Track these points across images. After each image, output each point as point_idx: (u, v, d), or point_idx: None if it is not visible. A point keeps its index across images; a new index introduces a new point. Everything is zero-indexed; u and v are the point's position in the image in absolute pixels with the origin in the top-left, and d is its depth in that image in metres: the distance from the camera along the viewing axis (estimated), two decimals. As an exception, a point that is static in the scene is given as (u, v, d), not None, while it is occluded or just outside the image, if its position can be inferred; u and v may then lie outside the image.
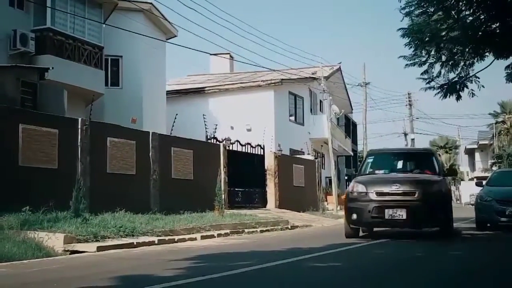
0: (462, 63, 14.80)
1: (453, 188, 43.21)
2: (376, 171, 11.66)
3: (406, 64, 14.59)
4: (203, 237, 11.04)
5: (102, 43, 18.19)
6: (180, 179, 15.35)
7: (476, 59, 14.43)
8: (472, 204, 28.78)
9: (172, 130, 17.70)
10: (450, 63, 14.68)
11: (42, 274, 6.29)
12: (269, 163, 20.58)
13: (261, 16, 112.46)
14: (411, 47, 14.07)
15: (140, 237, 9.82)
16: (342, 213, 13.57)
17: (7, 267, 6.82)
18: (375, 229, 11.62)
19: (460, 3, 13.07)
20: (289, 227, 15.07)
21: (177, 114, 18.61)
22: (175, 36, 23.47)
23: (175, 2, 30.23)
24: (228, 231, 12.26)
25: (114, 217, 10.71)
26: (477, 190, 15.72)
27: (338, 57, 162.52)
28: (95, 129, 12.62)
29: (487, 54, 14.13)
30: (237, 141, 19.29)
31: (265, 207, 19.73)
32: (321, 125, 29.82)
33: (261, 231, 13.32)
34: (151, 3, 20.74)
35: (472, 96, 14.86)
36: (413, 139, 46.16)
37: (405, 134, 48.10)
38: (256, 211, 17.31)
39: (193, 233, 11.18)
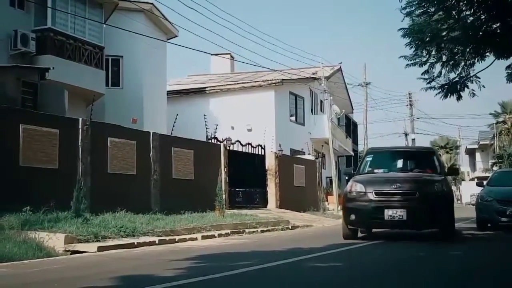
0: (462, 63, 14.79)
1: (453, 188, 43.14)
2: (375, 170, 11.27)
3: (407, 64, 14.60)
4: (203, 237, 11.03)
5: (102, 43, 18.19)
6: (180, 179, 15.35)
7: (476, 59, 14.42)
8: (472, 204, 28.80)
9: (172, 130, 17.70)
10: (450, 63, 14.68)
11: (42, 274, 6.30)
12: (270, 163, 20.58)
13: (261, 16, 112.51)
14: (411, 47, 14.07)
15: (141, 237, 9.82)
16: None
17: (8, 267, 6.83)
18: (374, 230, 11.39)
19: (461, 3, 13.06)
20: (290, 227, 15.07)
21: (177, 114, 18.61)
22: (176, 36, 23.49)
23: (175, 2, 30.22)
24: (228, 231, 12.26)
25: (115, 217, 10.71)
26: (478, 190, 15.75)
27: (338, 57, 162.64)
28: (95, 129, 12.62)
29: (487, 54, 14.12)
30: (238, 141, 19.29)
31: (265, 207, 19.73)
32: (322, 125, 29.82)
33: (262, 231, 13.32)
34: (151, 3, 20.76)
35: (473, 96, 14.87)
36: (414, 139, 46.18)
37: (406, 134, 48.16)
38: (256, 211, 17.31)
39: (193, 233, 11.18)
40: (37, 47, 15.90)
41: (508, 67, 14.73)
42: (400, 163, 11.68)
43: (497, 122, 52.69)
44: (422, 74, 14.87)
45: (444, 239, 10.02)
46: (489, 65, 14.47)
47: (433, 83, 14.90)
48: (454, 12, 13.19)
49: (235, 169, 18.12)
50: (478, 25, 13.22)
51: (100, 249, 8.48)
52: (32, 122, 11.17)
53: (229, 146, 18.58)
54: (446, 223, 10.05)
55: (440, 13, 13.39)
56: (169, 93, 25.40)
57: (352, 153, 40.54)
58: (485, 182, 15.08)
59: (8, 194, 10.22)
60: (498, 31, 13.31)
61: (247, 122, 25.37)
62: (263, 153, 20.57)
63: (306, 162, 23.69)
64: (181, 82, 31.71)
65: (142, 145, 14.00)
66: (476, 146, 59.84)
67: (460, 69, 14.82)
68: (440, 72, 14.80)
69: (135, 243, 9.26)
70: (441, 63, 14.68)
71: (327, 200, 26.42)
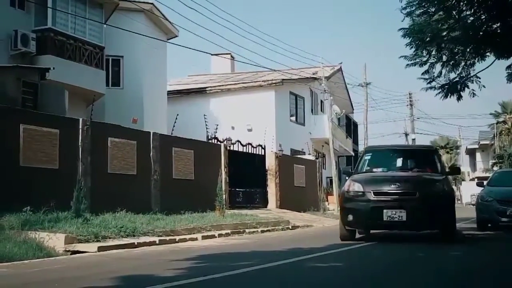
0: (463, 63, 14.80)
1: (454, 188, 43.13)
2: (374, 169, 10.88)
3: (407, 64, 14.60)
4: (204, 237, 11.04)
5: (103, 43, 18.20)
6: (181, 179, 15.35)
7: (477, 59, 14.42)
8: (473, 204, 28.81)
9: (173, 130, 17.72)
10: (451, 63, 14.68)
11: (43, 274, 6.30)
12: (270, 163, 20.59)
13: (261, 16, 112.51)
14: (412, 47, 14.07)
15: (141, 237, 9.83)
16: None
17: (8, 267, 6.83)
18: (372, 231, 11.05)
19: (461, 3, 13.06)
20: (290, 227, 15.07)
21: (178, 114, 18.63)
22: (176, 36, 23.48)
23: (175, 2, 30.21)
24: (229, 231, 12.26)
25: (115, 217, 10.71)
26: (478, 190, 15.75)
27: (338, 57, 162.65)
28: (96, 129, 12.62)
29: (488, 54, 14.12)
30: (238, 141, 19.29)
31: (266, 207, 19.73)
32: (322, 125, 29.82)
33: (262, 231, 13.32)
34: (152, 3, 20.76)
35: (473, 96, 14.88)
36: (414, 139, 46.15)
37: (406, 134, 48.14)
38: (257, 211, 17.31)
39: (194, 233, 11.18)
40: (38, 47, 15.89)
41: (508, 67, 14.75)
42: (399, 162, 11.32)
43: (498, 122, 52.70)
44: (422, 74, 14.89)
45: (445, 241, 9.76)
46: (490, 65, 14.49)
47: (433, 83, 14.92)
48: (454, 12, 13.19)
49: (236, 169, 18.12)
50: (478, 25, 13.23)
51: (100, 249, 8.48)
52: (32, 122, 11.17)
53: (230, 146, 18.58)
54: (447, 224, 9.72)
55: (441, 13, 13.40)
56: (170, 93, 25.40)
57: (353, 153, 40.52)
58: (485, 182, 15.08)
59: (9, 194, 10.22)
60: (499, 31, 13.32)
61: (248, 122, 25.37)
62: (263, 153, 20.58)
63: (306, 162, 23.69)
64: (182, 82, 31.71)
65: (142, 145, 14.00)
66: (477, 146, 59.86)
67: (460, 69, 14.83)
68: (440, 72, 14.82)
69: (136, 243, 9.26)
70: (441, 63, 14.68)
71: (327, 200, 26.43)
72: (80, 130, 12.19)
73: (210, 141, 18.58)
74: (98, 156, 12.52)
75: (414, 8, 13.44)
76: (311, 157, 25.55)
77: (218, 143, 18.27)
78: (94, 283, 5.52)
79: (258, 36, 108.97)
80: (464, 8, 13.26)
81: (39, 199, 9.89)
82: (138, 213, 11.82)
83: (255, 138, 21.02)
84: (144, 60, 20.87)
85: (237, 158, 18.51)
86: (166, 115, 22.49)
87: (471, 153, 63.41)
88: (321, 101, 31.84)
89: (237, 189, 18.44)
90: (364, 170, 10.94)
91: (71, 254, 8.22)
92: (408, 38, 13.78)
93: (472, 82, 14.82)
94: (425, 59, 14.43)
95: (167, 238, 10.26)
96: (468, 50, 14.29)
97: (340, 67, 33.62)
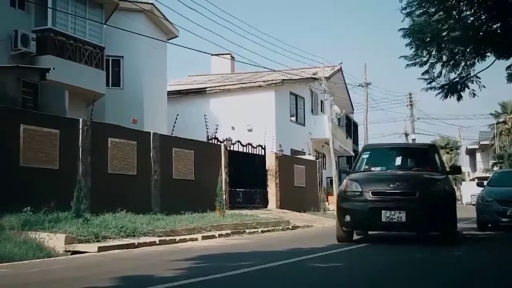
0: (463, 63, 14.79)
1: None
2: (372, 168, 10.53)
3: (407, 64, 14.60)
4: (204, 238, 11.03)
5: (103, 43, 18.20)
6: (181, 179, 15.35)
7: (477, 59, 14.42)
8: (473, 205, 28.83)
9: (173, 130, 17.70)
10: (451, 63, 14.67)
11: (43, 275, 6.30)
12: (270, 163, 20.59)
13: (261, 16, 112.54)
14: (412, 47, 14.06)
15: (141, 238, 9.83)
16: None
17: (8, 267, 6.83)
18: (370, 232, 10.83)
19: (461, 3, 13.06)
20: (290, 228, 15.07)
21: (178, 115, 18.60)
22: (176, 36, 23.49)
23: (176, 2, 30.24)
24: (229, 231, 12.26)
25: (115, 218, 10.71)
26: (478, 190, 15.75)
27: (338, 57, 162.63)
28: (96, 129, 12.62)
29: (488, 54, 14.12)
30: (238, 141, 19.29)
31: (266, 207, 19.73)
32: (322, 125, 29.83)
33: (262, 232, 13.32)
34: (152, 4, 20.77)
35: (473, 97, 14.87)
36: (414, 139, 46.11)
37: (406, 135, 48.11)
38: (257, 212, 17.31)
39: (194, 234, 11.18)
40: (38, 48, 15.90)
41: (508, 67, 14.75)
42: (398, 161, 10.88)
43: (498, 123, 52.71)
44: (423, 74, 14.88)
45: (445, 242, 9.40)
46: (490, 65, 14.49)
47: (433, 83, 14.91)
48: (454, 12, 13.19)
49: (236, 169, 18.12)
50: (478, 25, 13.23)
51: (100, 249, 8.47)
52: (32, 122, 11.17)
53: (230, 147, 18.59)
54: (448, 225, 9.35)
55: (441, 13, 13.39)
56: (170, 93, 25.40)
57: (353, 154, 40.47)
58: (485, 183, 15.08)
59: (9, 194, 10.22)
60: (499, 31, 13.32)
61: (248, 122, 25.37)
62: (263, 153, 20.58)
63: (306, 162, 23.69)
64: (182, 83, 31.71)
65: (142, 145, 14.00)
66: (477, 147, 59.87)
67: (460, 69, 14.83)
68: (441, 72, 14.81)
69: (136, 244, 9.26)
70: (441, 63, 14.68)
71: (327, 200, 26.43)
72: (80, 130, 12.18)
73: (210, 141, 18.58)
74: (98, 156, 12.52)
75: (414, 9, 13.43)
76: (311, 157, 25.54)
77: (218, 143, 18.27)
78: (94, 283, 5.52)
79: (258, 36, 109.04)
80: (464, 8, 13.26)
81: (39, 199, 9.88)
82: (138, 213, 11.81)
83: (255, 138, 21.01)
84: (144, 60, 20.88)
85: (237, 158, 18.51)
86: (166, 115, 22.50)
87: (471, 153, 63.42)
88: (321, 101, 31.85)
89: (237, 189, 18.44)
90: (362, 169, 10.62)
91: (71, 254, 8.22)
92: (408, 38, 13.78)
93: (472, 82, 14.82)
94: (425, 59, 14.43)
95: (167, 238, 10.25)
96: (468, 50, 14.29)
97: (340, 67, 33.63)
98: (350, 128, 42.01)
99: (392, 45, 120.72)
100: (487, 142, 56.41)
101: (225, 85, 27.92)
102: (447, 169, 11.09)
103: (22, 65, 14.21)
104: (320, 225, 16.95)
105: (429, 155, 11.07)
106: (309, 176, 23.26)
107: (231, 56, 32.72)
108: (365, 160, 10.89)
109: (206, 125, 19.21)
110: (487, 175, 37.08)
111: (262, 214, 16.50)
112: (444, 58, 14.65)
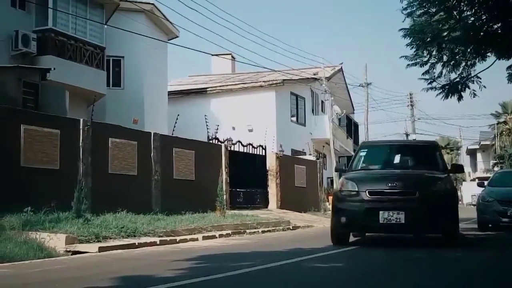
0: (463, 64, 14.80)
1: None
2: (370, 167, 10.10)
3: (408, 65, 14.60)
4: (204, 238, 11.04)
5: (103, 43, 18.21)
6: (181, 179, 15.35)
7: (477, 59, 14.42)
8: (473, 205, 28.82)
9: (173, 130, 17.71)
10: (451, 64, 14.67)
11: (43, 275, 6.30)
12: (271, 163, 20.59)
13: (261, 16, 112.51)
14: (412, 47, 14.06)
15: (142, 238, 9.83)
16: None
17: (9, 267, 6.83)
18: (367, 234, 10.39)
19: (462, 4, 13.07)
20: (291, 228, 15.08)
21: (178, 115, 18.61)
22: (177, 36, 23.49)
23: (176, 2, 30.26)
24: (229, 231, 12.26)
25: (116, 218, 10.72)
26: (479, 190, 15.75)
27: (339, 57, 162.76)
28: (96, 129, 12.62)
29: (488, 54, 14.13)
30: (239, 141, 19.30)
31: (266, 207, 19.73)
32: (323, 125, 29.84)
33: (263, 232, 13.32)
34: (152, 4, 20.77)
35: (474, 97, 14.87)
36: (415, 139, 46.17)
37: (407, 135, 48.09)
38: (257, 212, 17.30)
39: (194, 234, 11.18)
40: (38, 48, 15.90)
41: (509, 67, 14.74)
42: (397, 159, 10.29)
43: (498, 123, 52.68)
44: (423, 74, 14.89)
45: (447, 244, 8.98)
46: (490, 65, 14.49)
47: (434, 84, 14.91)
48: (455, 13, 13.20)
49: (236, 170, 18.13)
50: (479, 25, 13.23)
51: (101, 249, 8.47)
52: (33, 122, 11.17)
53: (230, 147, 18.59)
54: (449, 227, 8.85)
55: (441, 13, 13.40)
56: (170, 93, 25.39)
57: (353, 154, 40.51)
58: (486, 183, 15.08)
59: (9, 194, 10.22)
60: (499, 31, 13.33)
61: (248, 122, 25.36)
62: (264, 154, 20.58)
63: (307, 162, 23.69)
64: (182, 83, 31.71)
65: (143, 145, 14.00)
66: (477, 147, 59.86)
67: (461, 69, 14.83)
68: (441, 73, 14.82)
69: (136, 244, 9.26)
70: (442, 63, 14.68)
71: (328, 201, 26.40)
72: (81, 131, 12.19)
73: (211, 141, 18.58)
74: (99, 157, 12.52)
75: (415, 9, 13.44)
76: (312, 158, 25.55)
77: (219, 143, 18.28)
78: (94, 283, 5.52)
79: (258, 36, 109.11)
80: (465, 9, 13.27)
81: (40, 200, 9.89)
82: (139, 214, 11.82)
83: (256, 139, 21.01)
84: (144, 60, 20.88)
85: (237, 159, 18.52)
86: (166, 115, 22.50)
87: (471, 153, 63.41)
88: (322, 102, 31.85)
89: (237, 190, 18.44)
90: (359, 168, 10.09)
91: (71, 255, 8.22)
92: (408, 38, 13.79)
93: (473, 83, 14.83)
94: (425, 59, 14.43)
95: (168, 238, 10.26)
96: (468, 50, 14.29)
97: (341, 68, 33.63)
98: (351, 128, 41.96)
99: (393, 45, 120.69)
100: (487, 142, 56.39)
101: (225, 85, 27.92)
102: (449, 168, 10.47)
103: (23, 65, 14.22)
104: (320, 225, 16.94)
105: (429, 153, 10.56)
106: (310, 176, 23.26)
107: (232, 56, 32.72)
108: (362, 158, 10.40)
109: (207, 125, 19.22)
110: (488, 175, 37.05)
111: (263, 214, 16.50)
112: (445, 58, 14.65)
